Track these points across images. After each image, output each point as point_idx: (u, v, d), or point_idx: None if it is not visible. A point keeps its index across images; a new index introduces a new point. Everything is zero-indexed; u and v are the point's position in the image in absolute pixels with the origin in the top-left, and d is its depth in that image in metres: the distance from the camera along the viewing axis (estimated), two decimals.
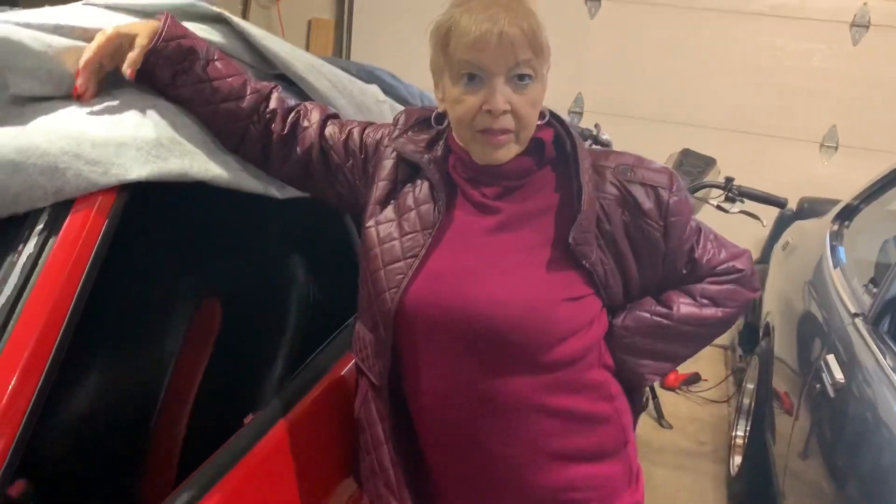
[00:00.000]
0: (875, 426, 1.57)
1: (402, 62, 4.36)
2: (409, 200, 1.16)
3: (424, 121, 1.22)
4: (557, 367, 1.13)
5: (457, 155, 1.17)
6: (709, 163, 3.37)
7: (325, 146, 1.24)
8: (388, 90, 1.89)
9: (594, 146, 2.51)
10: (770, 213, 2.62)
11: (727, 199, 2.43)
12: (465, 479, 1.20)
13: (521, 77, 1.06)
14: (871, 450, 1.55)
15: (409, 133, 1.20)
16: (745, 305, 1.26)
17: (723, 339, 4.17)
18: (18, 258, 0.93)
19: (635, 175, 1.16)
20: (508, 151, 1.10)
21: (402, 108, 1.78)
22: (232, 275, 1.80)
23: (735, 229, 2.48)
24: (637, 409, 1.30)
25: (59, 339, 0.91)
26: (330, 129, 1.25)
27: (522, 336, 1.10)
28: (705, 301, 1.22)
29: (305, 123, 1.25)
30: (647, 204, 1.15)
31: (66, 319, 0.93)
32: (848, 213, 2.62)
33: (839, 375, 1.81)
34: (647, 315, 1.20)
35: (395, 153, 1.19)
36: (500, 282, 1.11)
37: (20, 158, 0.95)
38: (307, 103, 1.29)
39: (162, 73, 1.18)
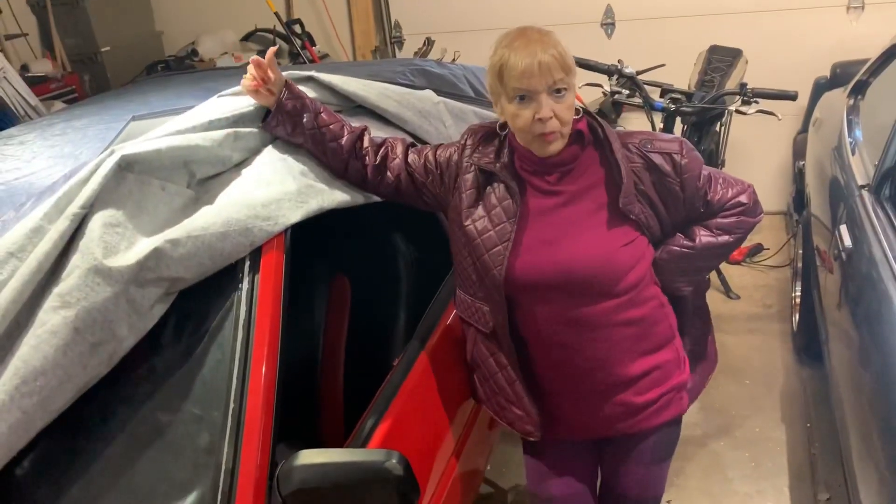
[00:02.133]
0: (876, 282, 1.96)
1: (439, 15, 4.71)
2: (493, 199, 1.60)
3: (488, 134, 1.65)
4: (626, 291, 1.59)
5: (520, 154, 1.59)
6: (736, 55, 3.64)
7: (410, 170, 1.70)
8: (438, 82, 2.31)
9: (620, 78, 2.85)
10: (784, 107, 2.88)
11: (744, 103, 2.74)
12: (569, 380, 1.67)
13: (559, 91, 1.48)
14: (873, 304, 1.94)
15: (480, 147, 1.64)
16: (750, 229, 1.68)
17: (780, 206, 4.48)
18: (241, 292, 1.46)
19: (654, 146, 1.59)
20: (558, 144, 1.53)
21: (452, 102, 2.22)
22: (352, 254, 2.32)
23: (775, 103, 2.72)
24: (687, 310, 1.75)
25: (279, 333, 1.44)
26: (412, 157, 1.70)
27: (598, 278, 1.57)
28: (719, 231, 1.65)
29: (393, 155, 1.71)
30: (666, 167, 1.58)
31: (280, 322, 1.45)
32: (860, 87, 2.88)
33: (849, 242, 2.19)
34: (677, 248, 1.64)
35: (473, 167, 1.63)
36: (575, 244, 1.56)
37: (225, 229, 1.46)
38: (391, 139, 1.75)
39: (285, 126, 1.66)
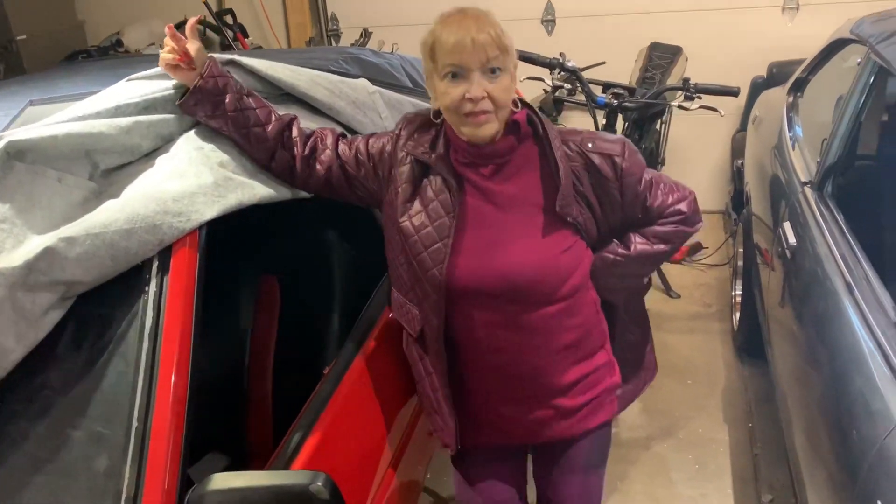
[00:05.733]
0: (822, 278, 1.92)
1: (377, 8, 4.58)
2: (430, 193, 1.49)
3: (424, 123, 1.53)
4: (565, 298, 1.52)
5: (455, 145, 1.49)
6: (676, 52, 3.62)
7: (341, 162, 1.57)
8: (374, 71, 2.18)
9: (562, 72, 2.77)
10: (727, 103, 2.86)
11: (686, 99, 2.70)
12: (503, 384, 1.59)
13: (493, 70, 1.38)
14: (819, 301, 1.91)
15: (415, 136, 1.53)
16: (687, 238, 1.62)
17: (718, 205, 4.50)
18: (148, 296, 1.30)
19: (595, 146, 1.50)
20: (490, 127, 1.42)
21: (388, 92, 2.10)
22: (281, 252, 2.17)
23: (717, 100, 2.71)
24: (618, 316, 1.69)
25: (190, 342, 1.29)
26: (342, 148, 1.58)
27: (540, 286, 1.48)
28: (656, 240, 1.57)
29: (322, 146, 1.58)
30: (606, 169, 1.49)
31: (193, 329, 1.30)
32: (799, 85, 2.88)
33: (793, 240, 2.15)
34: (611, 256, 1.56)
35: (409, 158, 1.51)
36: (514, 250, 1.47)
37: (129, 225, 1.30)
38: (321, 129, 1.62)
39: (204, 106, 1.51)
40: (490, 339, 1.53)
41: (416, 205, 1.50)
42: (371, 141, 1.58)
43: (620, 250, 1.56)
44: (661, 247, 1.58)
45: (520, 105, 1.47)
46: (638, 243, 1.56)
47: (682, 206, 1.58)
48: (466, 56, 1.36)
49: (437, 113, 1.50)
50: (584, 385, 1.60)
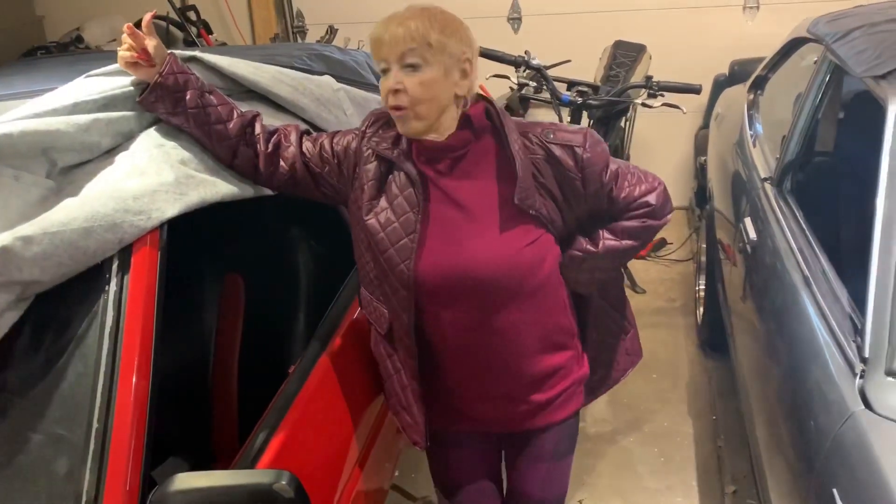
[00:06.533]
0: (781, 273, 1.96)
1: (343, 5, 4.55)
2: (394, 189, 1.49)
3: (389, 119, 1.52)
4: (534, 293, 1.52)
5: (415, 142, 1.48)
6: (640, 50, 3.66)
7: (305, 159, 1.56)
8: (339, 69, 2.17)
9: (528, 70, 2.79)
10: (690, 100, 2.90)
11: (650, 96, 2.73)
12: (474, 381, 1.60)
13: (410, 65, 1.38)
14: (778, 295, 1.95)
15: (380, 132, 1.52)
16: (656, 231, 1.62)
17: (682, 201, 4.56)
18: (108, 296, 1.28)
19: (555, 137, 1.50)
20: (408, 124, 1.42)
21: (354, 89, 2.09)
22: (246, 250, 2.15)
23: (680, 98, 2.75)
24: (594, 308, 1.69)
25: (152, 342, 1.28)
26: (307, 145, 1.57)
27: (504, 281, 1.48)
28: (624, 235, 1.57)
29: (286, 143, 1.57)
30: (567, 160, 1.49)
31: (154, 328, 1.29)
32: (759, 83, 2.93)
33: (753, 235, 2.20)
34: (579, 253, 1.56)
35: (373, 155, 1.51)
36: (477, 245, 1.47)
37: (88, 224, 1.28)
38: (285, 126, 1.61)
39: (165, 102, 1.50)
40: (457, 338, 1.54)
41: (382, 202, 1.50)
42: (336, 138, 1.57)
43: (589, 247, 1.56)
44: (630, 242, 1.58)
45: (475, 99, 1.47)
46: (606, 239, 1.56)
47: (650, 199, 1.57)
48: (385, 50, 1.38)
49: None
50: (555, 379, 1.61)
